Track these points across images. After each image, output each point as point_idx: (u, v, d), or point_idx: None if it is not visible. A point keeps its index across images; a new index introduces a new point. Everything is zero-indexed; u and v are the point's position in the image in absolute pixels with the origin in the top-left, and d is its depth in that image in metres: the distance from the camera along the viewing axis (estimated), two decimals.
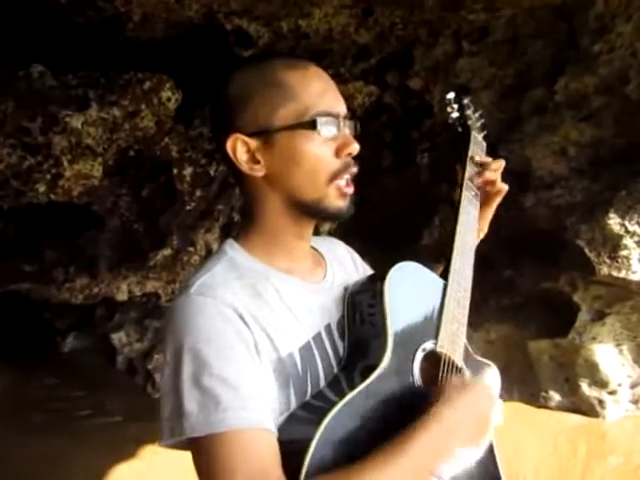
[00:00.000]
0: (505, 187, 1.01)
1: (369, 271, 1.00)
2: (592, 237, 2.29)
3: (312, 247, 0.88)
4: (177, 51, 1.94)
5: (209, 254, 2.77)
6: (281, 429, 0.69)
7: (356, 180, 0.80)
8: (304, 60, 0.79)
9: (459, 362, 0.86)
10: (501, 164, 0.99)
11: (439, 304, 0.86)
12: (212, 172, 2.32)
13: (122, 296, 2.57)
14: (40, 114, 1.46)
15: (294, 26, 1.94)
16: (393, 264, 0.84)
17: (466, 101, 1.08)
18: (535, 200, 2.52)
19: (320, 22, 1.99)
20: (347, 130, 0.78)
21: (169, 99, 1.67)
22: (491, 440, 0.88)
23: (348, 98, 2.41)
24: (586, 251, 2.35)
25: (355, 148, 0.77)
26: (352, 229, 3.04)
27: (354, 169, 0.78)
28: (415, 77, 2.54)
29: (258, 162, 0.74)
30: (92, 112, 1.52)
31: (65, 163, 1.61)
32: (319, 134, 0.73)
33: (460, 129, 1.05)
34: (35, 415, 2.79)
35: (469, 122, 1.05)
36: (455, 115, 1.06)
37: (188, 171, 2.18)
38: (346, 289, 0.85)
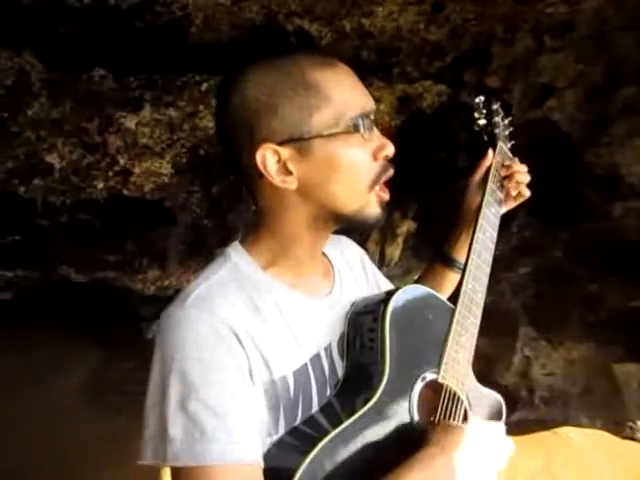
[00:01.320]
0: (528, 193, 0.95)
1: (379, 276, 0.96)
2: None
3: (322, 252, 0.85)
4: (242, 53, 1.97)
5: None
6: (268, 454, 0.66)
7: (391, 184, 0.75)
8: (329, 56, 0.72)
9: (461, 393, 0.79)
10: (525, 169, 0.94)
11: (445, 331, 0.81)
12: None
13: None
14: (97, 115, 1.56)
15: (357, 25, 1.90)
16: (398, 287, 0.81)
17: (496, 107, 1.01)
18: (624, 210, 2.30)
19: (385, 20, 1.93)
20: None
21: None
22: None
23: (416, 98, 2.33)
24: None
25: (392, 150, 0.72)
26: (425, 233, 2.95)
27: (391, 171, 0.73)
28: (493, 75, 2.40)
29: (290, 173, 0.68)
30: (145, 113, 1.59)
31: (121, 161, 1.71)
32: (361, 137, 0.68)
33: (486, 137, 0.99)
34: (113, 395, 2.98)
35: (496, 130, 0.99)
36: (482, 122, 1.00)
37: None
38: (352, 304, 0.82)
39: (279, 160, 0.68)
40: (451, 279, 0.99)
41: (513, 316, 2.83)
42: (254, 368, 0.66)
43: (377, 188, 0.72)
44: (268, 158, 0.68)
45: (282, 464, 0.64)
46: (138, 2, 1.49)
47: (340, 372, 0.76)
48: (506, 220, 2.99)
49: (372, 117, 0.72)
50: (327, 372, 0.75)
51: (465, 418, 0.79)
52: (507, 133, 1.04)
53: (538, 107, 2.41)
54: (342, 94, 0.68)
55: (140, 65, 1.62)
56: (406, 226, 3.22)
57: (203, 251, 2.48)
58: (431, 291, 0.84)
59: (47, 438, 2.65)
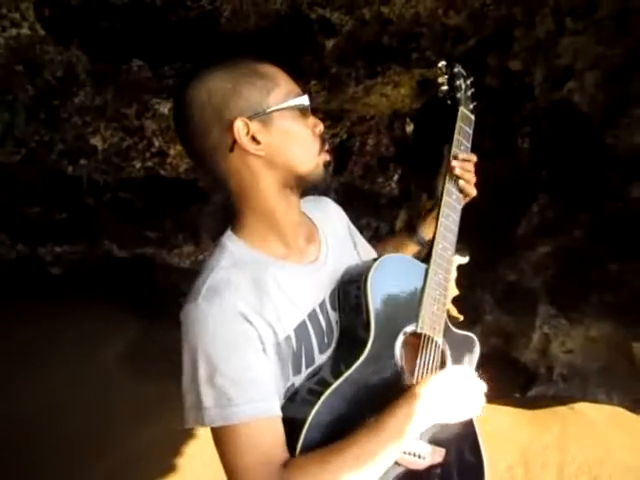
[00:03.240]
0: (474, 192, 1.03)
1: (357, 236, 1.07)
2: None
3: (305, 215, 0.95)
4: (269, 41, 2.09)
5: None
6: (285, 408, 0.80)
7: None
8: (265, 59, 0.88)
9: (439, 340, 0.91)
10: (473, 158, 1.00)
11: (420, 288, 0.92)
12: None
13: None
14: (135, 102, 1.71)
15: (376, 13, 1.99)
16: (377, 258, 0.92)
17: (457, 69, 1.04)
18: None
19: (404, 7, 2.02)
20: None
21: None
22: (475, 432, 0.93)
23: (435, 81, 2.40)
24: None
25: (322, 126, 0.88)
26: None
27: (327, 144, 0.89)
28: (515, 58, 2.45)
29: (259, 143, 0.81)
30: None
31: (156, 144, 1.86)
32: (306, 111, 0.84)
33: (449, 102, 1.02)
34: (151, 365, 3.20)
35: (458, 94, 1.01)
36: (445, 88, 1.04)
37: None
38: (342, 275, 0.93)
39: (248, 133, 0.81)
40: (409, 248, 1.10)
41: (533, 294, 2.89)
42: (264, 337, 0.79)
43: (323, 154, 0.87)
44: (240, 131, 0.81)
45: (296, 415, 0.78)
46: None
47: (334, 323, 0.89)
48: (527, 200, 3.02)
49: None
50: (324, 324, 0.88)
51: (443, 361, 0.91)
52: (469, 94, 1.02)
53: (559, 89, 2.45)
54: (285, 81, 0.85)
55: (174, 55, 1.77)
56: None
57: None
58: (408, 257, 0.94)
59: (91, 401, 2.88)
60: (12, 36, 1.36)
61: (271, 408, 0.77)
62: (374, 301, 0.85)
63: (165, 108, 1.74)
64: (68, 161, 1.88)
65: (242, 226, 0.87)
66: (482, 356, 3.22)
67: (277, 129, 0.82)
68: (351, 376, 0.81)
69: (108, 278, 3.68)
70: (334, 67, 2.06)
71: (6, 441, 2.53)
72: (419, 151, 3.45)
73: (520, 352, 2.95)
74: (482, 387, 0.86)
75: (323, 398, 0.78)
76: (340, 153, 2.89)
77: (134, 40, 1.64)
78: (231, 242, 0.86)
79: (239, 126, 0.80)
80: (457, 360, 0.94)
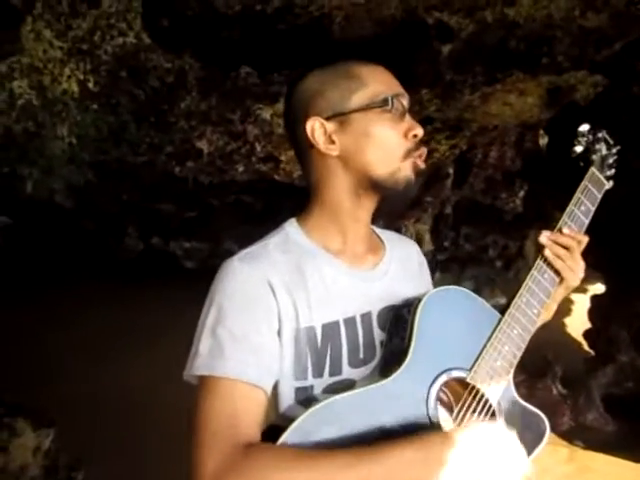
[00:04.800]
0: (577, 282, 0.87)
1: (428, 278, 0.99)
2: None
3: (377, 235, 0.91)
4: (381, 49, 2.05)
5: (419, 243, 2.84)
6: (293, 409, 0.76)
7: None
8: (376, 62, 0.85)
9: (491, 398, 0.79)
10: (583, 239, 0.86)
11: (487, 336, 0.81)
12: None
13: None
14: (238, 107, 1.76)
15: (500, 15, 1.86)
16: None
17: (601, 134, 0.95)
18: None
19: (532, 8, 1.85)
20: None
21: None
22: None
23: (568, 89, 2.17)
24: None
25: (420, 131, 0.82)
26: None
27: (424, 149, 0.83)
28: None
29: (334, 142, 0.81)
30: (279, 106, 1.76)
31: (258, 148, 1.90)
32: (389, 112, 0.79)
33: (582, 164, 0.92)
34: None
35: (593, 157, 0.92)
36: (579, 149, 0.94)
37: None
38: (402, 299, 0.86)
39: (325, 132, 0.81)
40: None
41: None
42: (284, 315, 0.76)
43: (411, 160, 0.81)
44: (316, 129, 0.81)
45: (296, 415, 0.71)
46: (280, 5, 1.66)
47: (377, 342, 0.82)
48: None
49: (406, 105, 0.82)
50: (361, 337, 0.81)
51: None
52: (611, 161, 0.95)
53: None
54: (377, 82, 0.81)
55: (283, 63, 1.80)
56: None
57: None
58: (475, 296, 0.84)
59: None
60: (118, 44, 1.48)
61: (260, 380, 0.72)
62: (420, 326, 0.77)
63: (267, 114, 1.78)
64: (176, 162, 2.01)
65: (306, 216, 0.86)
66: (613, 400, 2.84)
67: (355, 130, 0.81)
68: (363, 393, 0.73)
69: None
70: (449, 74, 1.95)
71: (112, 407, 2.77)
72: (554, 166, 3.15)
73: None
74: (521, 454, 0.70)
75: (322, 404, 0.70)
76: (460, 165, 2.74)
77: (244, 48, 1.70)
78: (290, 226, 0.86)
79: (312, 125, 0.81)
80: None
